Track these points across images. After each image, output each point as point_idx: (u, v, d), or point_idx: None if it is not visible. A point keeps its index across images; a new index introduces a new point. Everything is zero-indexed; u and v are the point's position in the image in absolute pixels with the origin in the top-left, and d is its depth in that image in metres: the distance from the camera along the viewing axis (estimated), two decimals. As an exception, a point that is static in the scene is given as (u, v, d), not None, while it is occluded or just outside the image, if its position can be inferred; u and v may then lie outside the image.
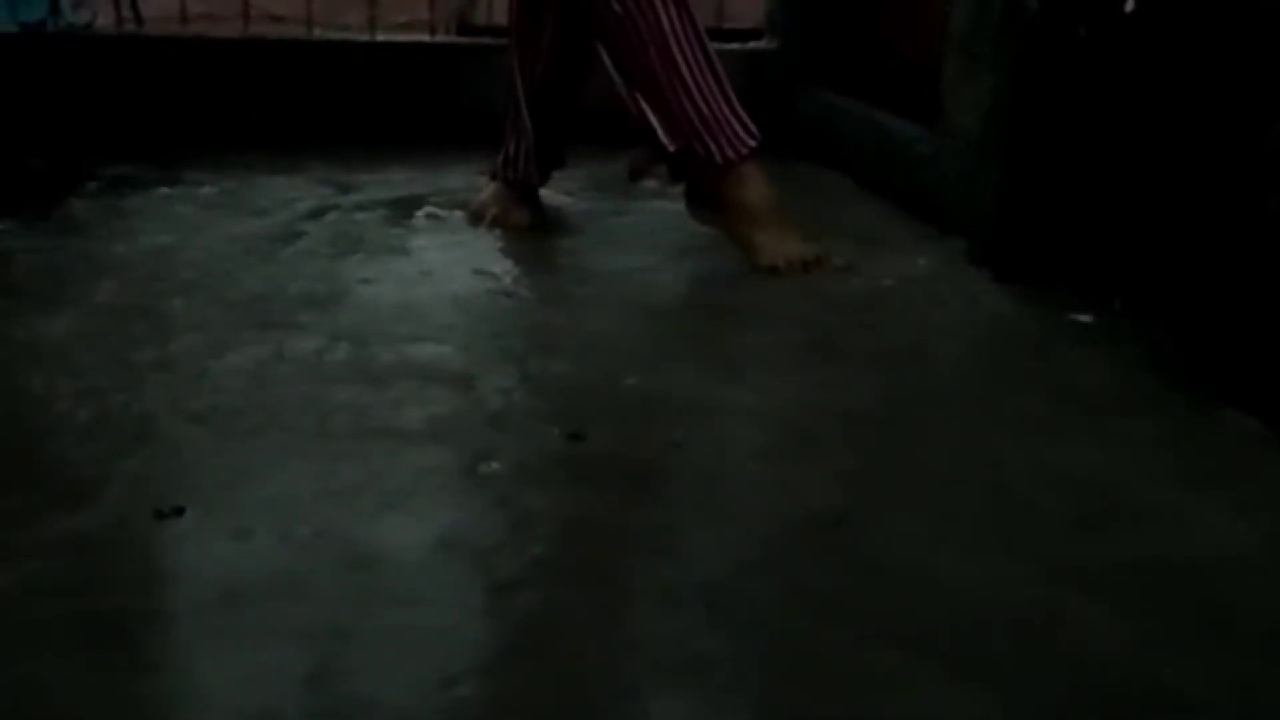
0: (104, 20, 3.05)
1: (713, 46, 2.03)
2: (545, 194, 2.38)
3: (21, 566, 1.05)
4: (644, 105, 2.02)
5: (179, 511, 1.13)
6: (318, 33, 3.11)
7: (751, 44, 3.19)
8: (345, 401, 1.41)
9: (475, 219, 2.26)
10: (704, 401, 1.46)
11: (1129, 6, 1.73)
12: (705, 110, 1.99)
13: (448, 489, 1.23)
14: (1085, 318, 1.76)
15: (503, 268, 2.00)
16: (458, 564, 1.08)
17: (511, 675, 0.94)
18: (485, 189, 2.31)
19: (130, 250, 1.99)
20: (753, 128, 2.03)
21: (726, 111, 2.01)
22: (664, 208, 2.33)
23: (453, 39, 3.21)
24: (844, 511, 1.19)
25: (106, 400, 1.39)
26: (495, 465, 1.27)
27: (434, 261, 2.00)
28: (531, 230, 2.24)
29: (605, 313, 1.79)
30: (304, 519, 1.14)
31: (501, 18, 2.53)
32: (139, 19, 3.16)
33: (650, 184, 2.35)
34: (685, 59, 1.98)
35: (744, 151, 2.01)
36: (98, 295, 1.76)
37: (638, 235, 2.24)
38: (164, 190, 2.41)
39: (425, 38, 3.15)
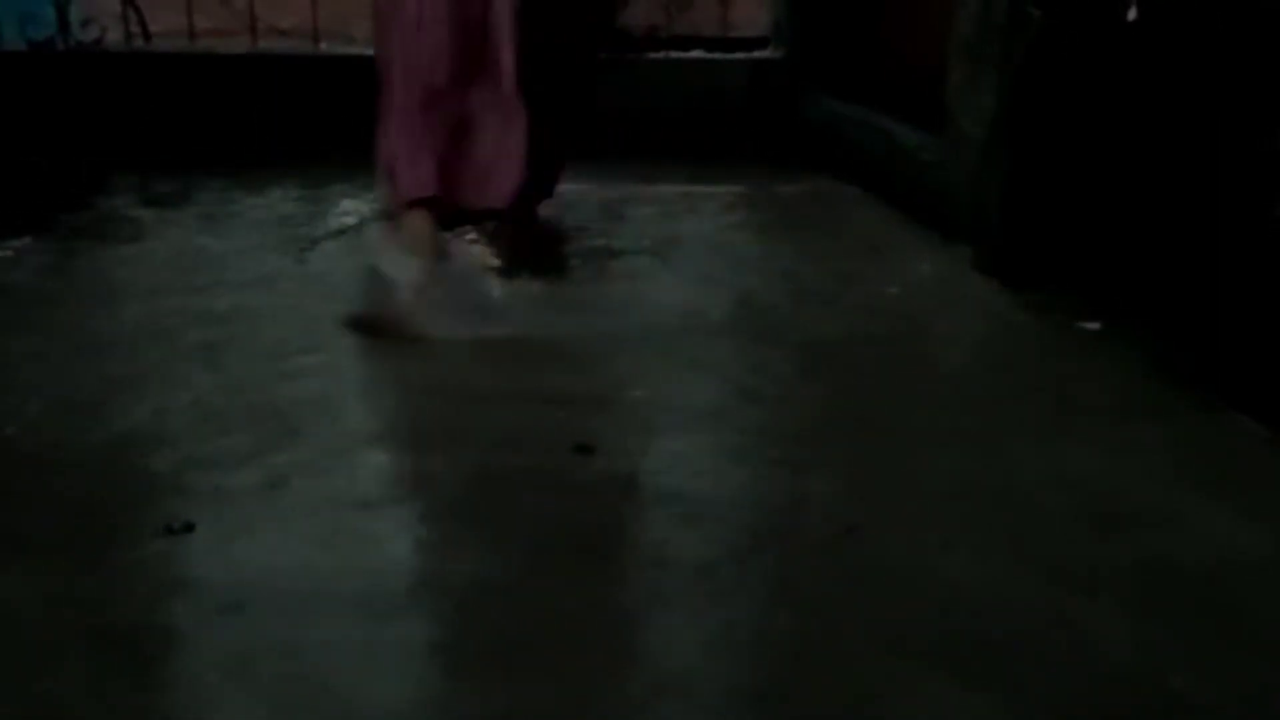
0: (113, 36, 3.07)
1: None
2: (551, 208, 2.38)
3: (35, 582, 1.05)
4: None
5: (189, 528, 1.14)
6: (323, 47, 3.12)
7: (756, 53, 3.20)
8: (348, 412, 1.42)
9: (483, 239, 2.25)
10: (711, 413, 1.46)
11: (1131, 15, 1.74)
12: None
13: (454, 498, 1.24)
14: (1091, 324, 1.76)
15: (508, 283, 2.00)
16: (461, 574, 1.09)
17: (513, 682, 0.94)
18: None
19: (137, 265, 2.01)
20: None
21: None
22: (665, 219, 2.34)
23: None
24: (853, 519, 1.20)
25: (113, 414, 1.40)
26: (502, 476, 1.28)
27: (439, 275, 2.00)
28: (537, 247, 2.23)
29: (610, 326, 1.79)
30: (310, 528, 1.15)
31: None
32: (147, 35, 3.18)
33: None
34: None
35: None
36: (96, 308, 1.77)
37: (641, 250, 2.24)
38: (169, 204, 2.43)
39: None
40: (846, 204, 2.59)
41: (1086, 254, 1.86)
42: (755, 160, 2.93)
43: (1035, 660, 0.97)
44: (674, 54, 3.13)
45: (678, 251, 2.18)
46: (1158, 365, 1.60)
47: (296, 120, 2.92)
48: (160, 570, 1.09)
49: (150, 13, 3.17)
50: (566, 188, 2.40)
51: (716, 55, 3.17)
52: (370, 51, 3.04)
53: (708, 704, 0.92)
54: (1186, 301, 1.62)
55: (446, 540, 1.17)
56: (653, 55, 3.07)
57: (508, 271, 2.07)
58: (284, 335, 1.68)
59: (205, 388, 1.49)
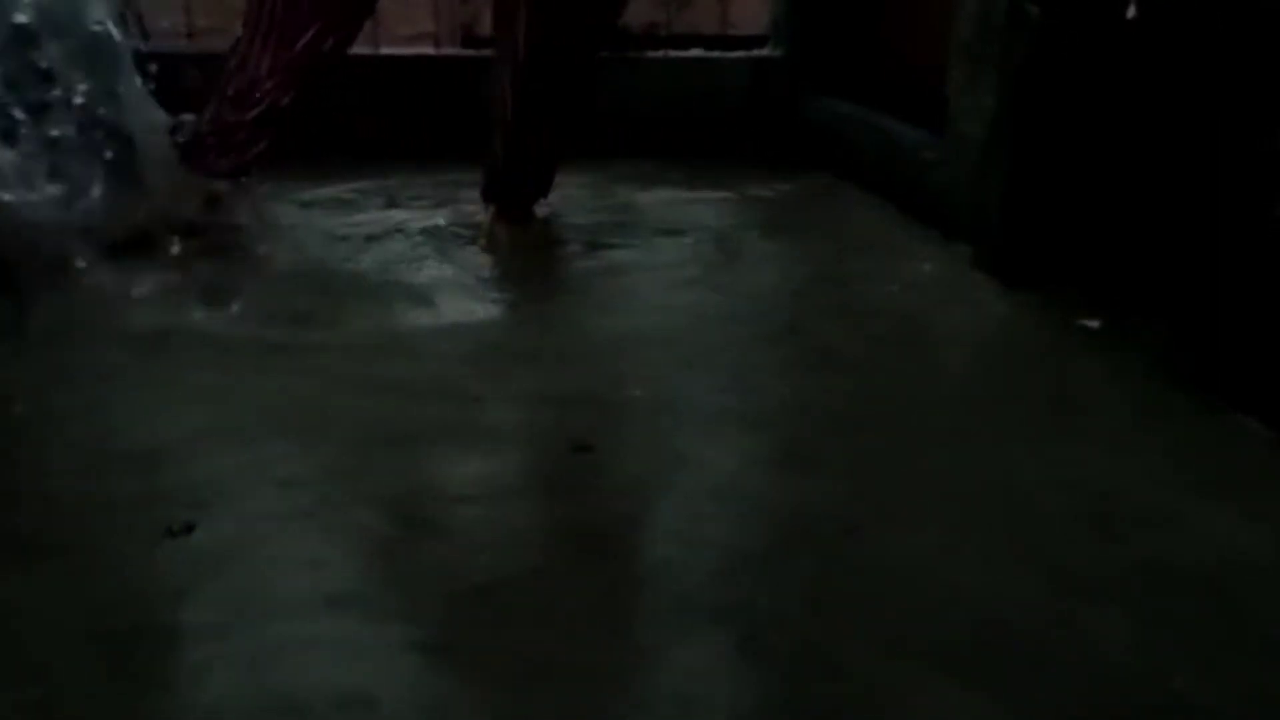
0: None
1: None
2: (549, 211, 2.38)
3: (34, 585, 1.05)
4: None
5: (189, 528, 1.14)
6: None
7: (756, 51, 3.19)
8: (351, 415, 1.42)
9: (481, 239, 2.24)
10: (710, 412, 1.46)
11: (1131, 12, 1.74)
12: None
13: (453, 499, 1.24)
14: (1092, 323, 1.76)
15: (506, 285, 2.00)
16: (459, 574, 1.09)
17: (512, 684, 0.94)
18: (488, 210, 2.31)
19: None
20: None
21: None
22: (663, 218, 2.34)
23: (458, 51, 3.21)
24: (853, 520, 1.20)
25: (115, 417, 1.40)
26: (501, 475, 1.28)
27: (440, 280, 2.00)
28: (535, 248, 2.23)
29: (608, 327, 1.79)
30: (310, 530, 1.15)
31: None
32: (144, 33, 3.17)
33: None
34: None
35: None
36: (96, 309, 1.77)
37: (639, 249, 2.23)
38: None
39: (430, 50, 3.15)
40: (846, 203, 2.59)
41: (1087, 253, 1.85)
42: (754, 159, 2.93)
43: (1035, 660, 0.97)
44: (673, 52, 3.13)
45: (676, 251, 2.17)
46: (1158, 365, 1.59)
47: (295, 120, 2.91)
48: (161, 572, 1.08)
49: (148, 10, 3.16)
50: (563, 187, 2.40)
51: (716, 54, 3.17)
52: (367, 50, 3.05)
53: (708, 705, 0.92)
54: (1187, 301, 1.62)
55: (443, 540, 1.16)
56: (651, 53, 3.07)
57: (504, 270, 2.07)
58: (286, 346, 1.68)
59: (207, 387, 1.49)
